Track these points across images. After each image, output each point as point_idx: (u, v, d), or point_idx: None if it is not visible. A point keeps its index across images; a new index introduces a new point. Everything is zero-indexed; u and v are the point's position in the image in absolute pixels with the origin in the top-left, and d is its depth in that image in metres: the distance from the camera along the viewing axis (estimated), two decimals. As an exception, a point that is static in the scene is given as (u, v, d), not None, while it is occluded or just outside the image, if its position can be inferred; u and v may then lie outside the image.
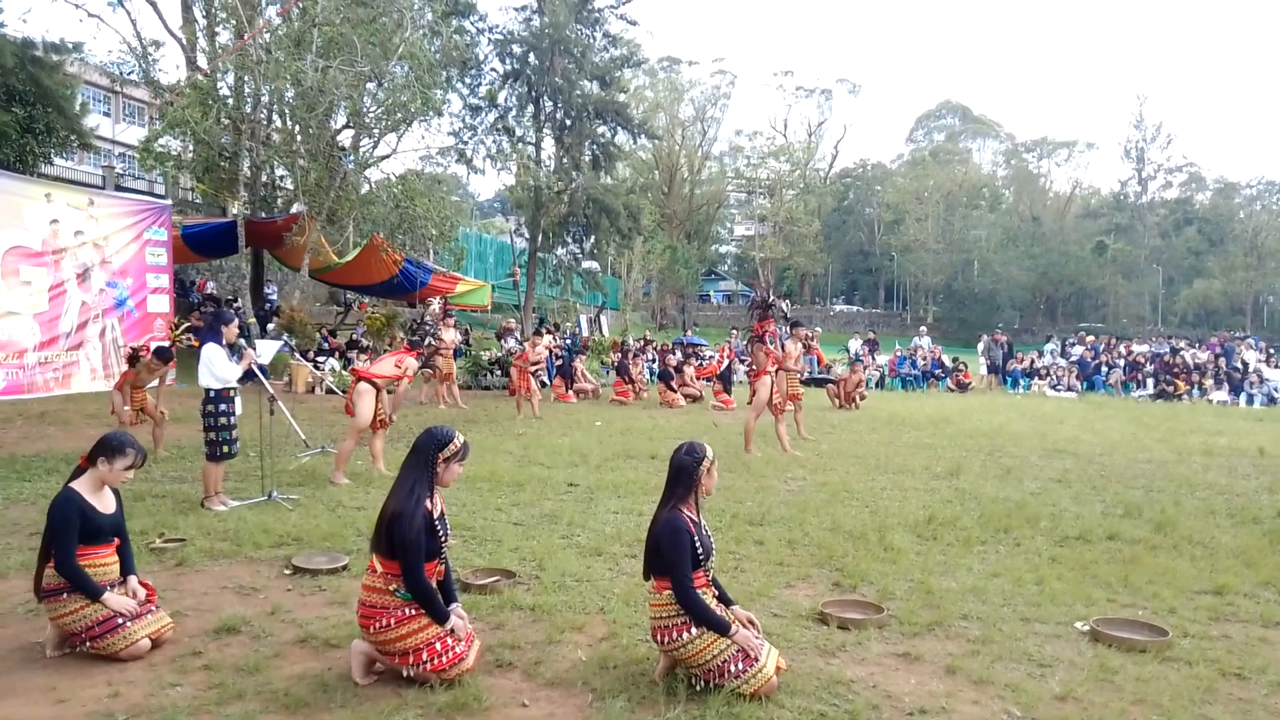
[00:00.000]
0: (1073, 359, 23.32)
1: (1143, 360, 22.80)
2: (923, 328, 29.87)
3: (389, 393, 8.45)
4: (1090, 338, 25.50)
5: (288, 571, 5.08)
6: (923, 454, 10.25)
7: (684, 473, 3.69)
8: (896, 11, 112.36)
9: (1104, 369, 22.58)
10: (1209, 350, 23.49)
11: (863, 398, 16.75)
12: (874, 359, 23.32)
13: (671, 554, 3.54)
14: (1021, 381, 22.58)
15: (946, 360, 23.39)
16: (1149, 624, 4.37)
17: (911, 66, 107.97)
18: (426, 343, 8.53)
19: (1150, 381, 21.51)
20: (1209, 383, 20.74)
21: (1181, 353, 22.91)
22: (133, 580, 4.00)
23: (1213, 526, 6.68)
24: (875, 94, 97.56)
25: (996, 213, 59.89)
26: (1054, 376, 22.19)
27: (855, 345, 25.25)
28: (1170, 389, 20.52)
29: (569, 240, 27.08)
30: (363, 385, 8.01)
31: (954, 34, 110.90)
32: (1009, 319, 50.14)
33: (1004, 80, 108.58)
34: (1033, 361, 23.51)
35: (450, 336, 15.43)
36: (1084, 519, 6.80)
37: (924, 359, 23.26)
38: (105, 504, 3.97)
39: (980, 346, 24.31)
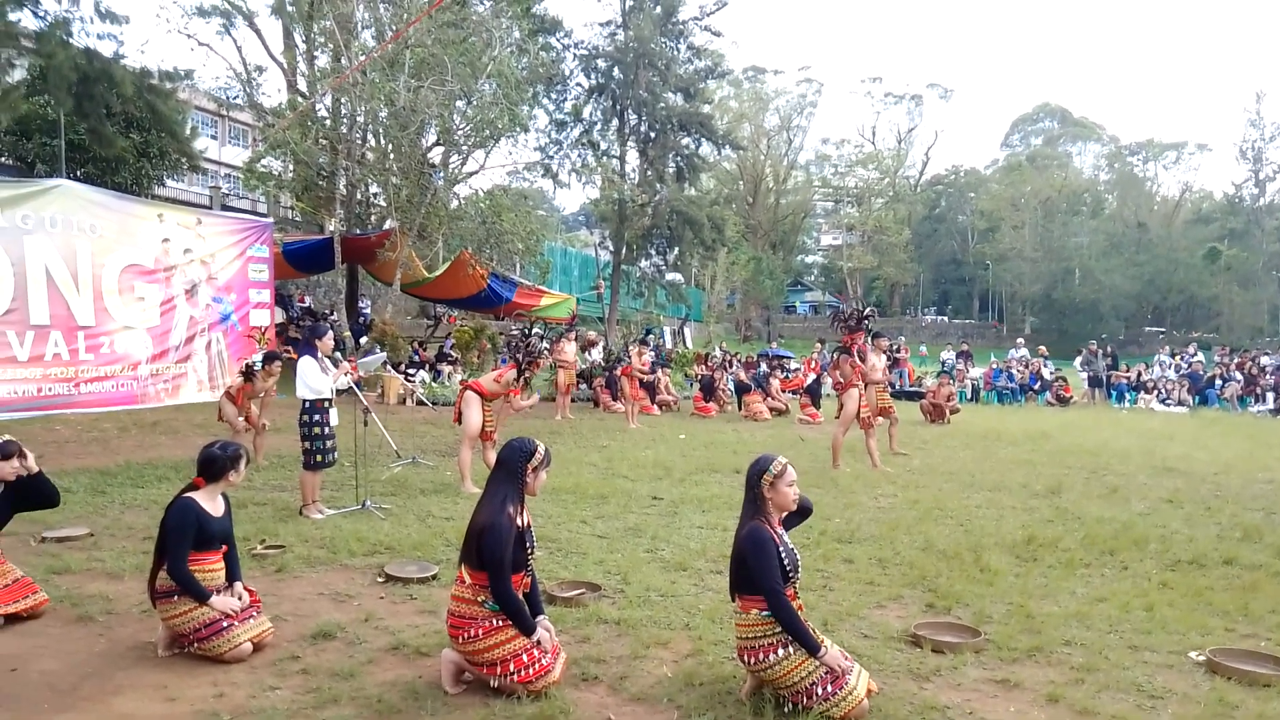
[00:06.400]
0: (1183, 372, 22.14)
1: (1257, 373, 21.46)
2: (1019, 339, 28.81)
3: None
4: (1194, 349, 24.15)
5: (380, 579, 5.21)
6: (1020, 471, 9.87)
7: (748, 487, 3.66)
8: (990, 14, 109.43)
9: (1218, 382, 21.34)
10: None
11: (955, 411, 16.26)
12: (967, 371, 22.62)
13: (758, 564, 3.47)
14: (1127, 395, 21.55)
15: (1045, 373, 22.49)
16: (1273, 656, 4.08)
17: (1006, 69, 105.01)
18: (529, 350, 8.68)
19: (1270, 396, 20.23)
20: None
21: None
22: (238, 586, 4.17)
23: (1343, 553, 6.22)
24: (968, 98, 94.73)
25: (1099, 219, 57.51)
26: (1162, 390, 21.10)
27: (947, 356, 24.59)
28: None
29: (652, 252, 27.14)
30: (469, 394, 8.19)
31: (1051, 34, 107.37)
32: (1113, 330, 47.98)
33: (1106, 81, 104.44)
34: (1139, 374, 22.41)
35: (570, 350, 15.89)
36: (1197, 542, 6.43)
37: (1020, 371, 22.44)
38: (217, 511, 4.18)
39: (1078, 359, 23.31)
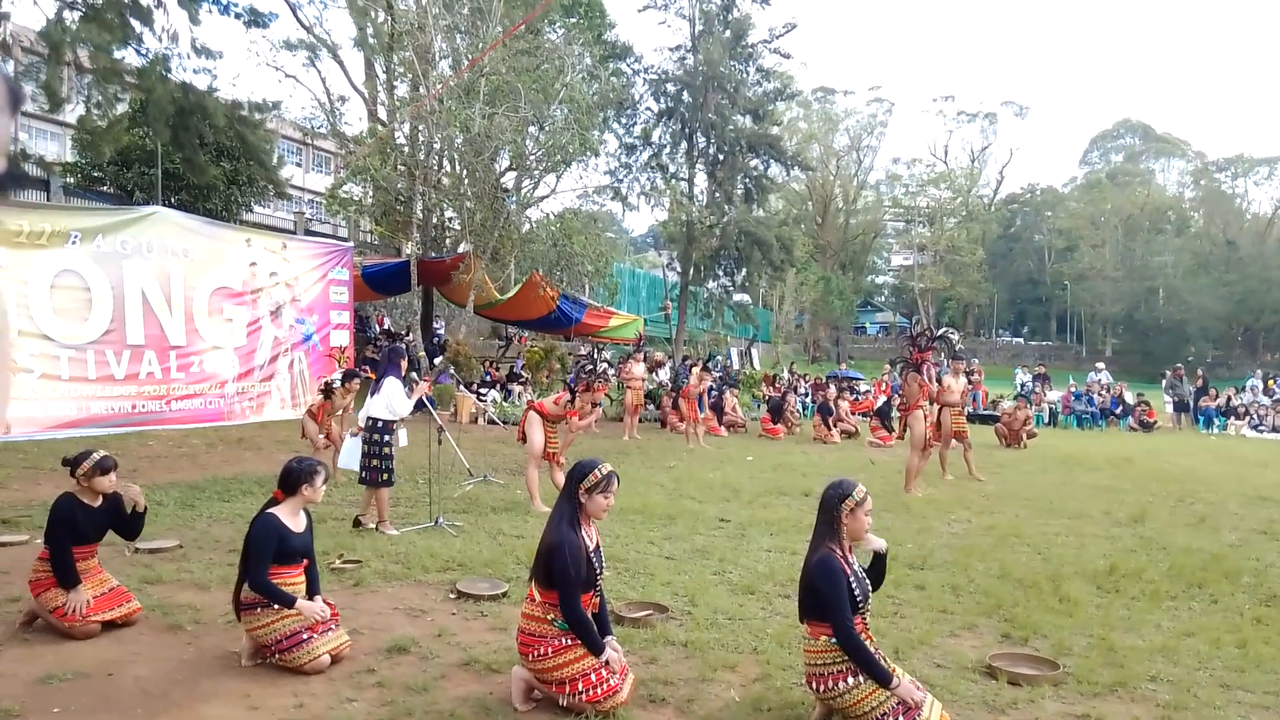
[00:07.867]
0: (1276, 397, 21.09)
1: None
2: (1099, 362, 27.86)
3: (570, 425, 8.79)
4: None
5: (453, 596, 5.31)
6: (1102, 497, 9.54)
7: (824, 510, 3.62)
8: (1066, 29, 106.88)
9: (1315, 408, 20.27)
10: None
11: (1031, 435, 15.80)
12: (1045, 394, 21.96)
13: (827, 592, 3.44)
14: (1216, 421, 20.61)
15: (1129, 397, 21.67)
16: (1378, 700, 3.86)
17: (1085, 86, 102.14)
18: (583, 373, 8.82)
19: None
20: None
21: None
22: (318, 599, 4.31)
23: None
24: (1044, 116, 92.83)
25: (1184, 237, 55.44)
26: (1254, 416, 20.13)
27: (1024, 379, 23.91)
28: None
29: (720, 273, 27.14)
30: (532, 414, 8.33)
31: (1130, 49, 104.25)
32: (1201, 352, 46.02)
33: (1191, 96, 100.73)
34: (1229, 399, 21.41)
35: (639, 370, 16.04)
36: (1294, 577, 6.12)
37: (1101, 395, 21.67)
38: (298, 526, 4.33)
39: (1164, 383, 22.38)
